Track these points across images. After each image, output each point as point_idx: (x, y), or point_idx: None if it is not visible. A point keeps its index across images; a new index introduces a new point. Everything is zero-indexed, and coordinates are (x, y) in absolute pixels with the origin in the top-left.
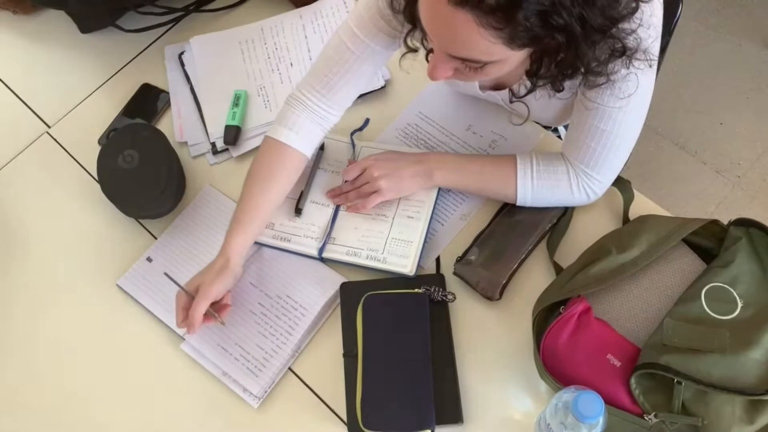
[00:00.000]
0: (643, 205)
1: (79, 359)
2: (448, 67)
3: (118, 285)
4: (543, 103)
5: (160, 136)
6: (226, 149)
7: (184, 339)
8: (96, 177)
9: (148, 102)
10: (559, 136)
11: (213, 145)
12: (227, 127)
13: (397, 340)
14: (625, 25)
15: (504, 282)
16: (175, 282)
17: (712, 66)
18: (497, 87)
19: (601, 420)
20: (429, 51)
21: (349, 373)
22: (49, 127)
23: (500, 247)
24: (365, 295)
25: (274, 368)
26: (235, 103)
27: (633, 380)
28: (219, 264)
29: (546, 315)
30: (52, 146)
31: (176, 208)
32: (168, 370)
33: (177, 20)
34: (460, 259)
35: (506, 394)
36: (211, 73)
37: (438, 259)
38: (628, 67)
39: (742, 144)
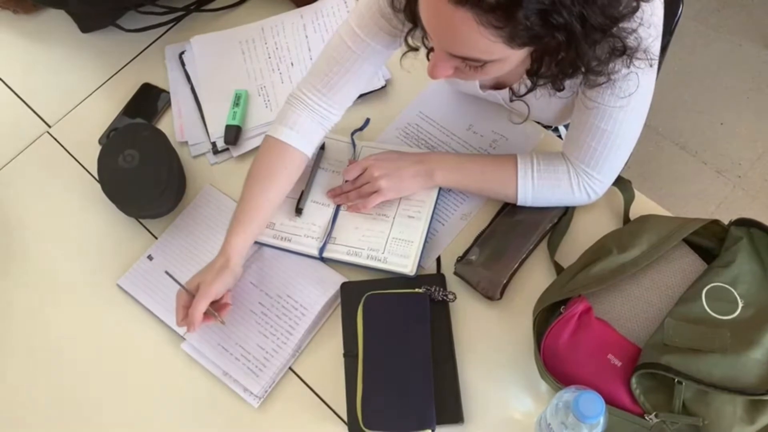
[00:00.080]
0: (643, 205)
1: (80, 359)
2: (449, 66)
3: (118, 285)
4: (543, 102)
5: (161, 135)
6: (227, 149)
7: (184, 339)
8: (96, 177)
9: (148, 102)
10: (560, 136)
11: (213, 144)
12: (228, 127)
13: (398, 340)
14: (626, 25)
15: (505, 282)
16: (176, 280)
17: (712, 66)
18: (498, 86)
19: (601, 420)
20: (429, 50)
21: (349, 373)
22: (49, 126)
23: (501, 247)
24: (366, 294)
25: (275, 368)
26: (236, 103)
27: (634, 380)
28: (219, 263)
29: (547, 315)
30: (52, 146)
31: (177, 207)
32: (168, 370)
33: (177, 20)
34: (461, 259)
35: (507, 393)
36: (211, 72)
37: (438, 259)
38: (628, 67)
39: (743, 144)
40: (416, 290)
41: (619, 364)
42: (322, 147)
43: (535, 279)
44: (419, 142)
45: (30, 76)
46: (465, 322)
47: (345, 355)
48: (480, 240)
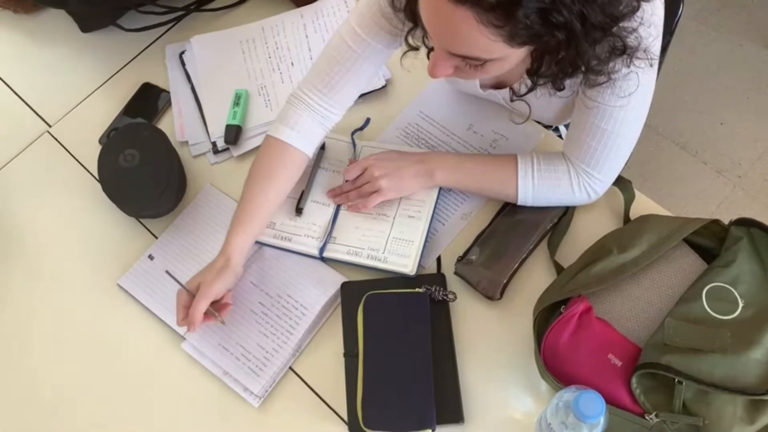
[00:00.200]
0: (643, 205)
1: (80, 359)
2: (449, 65)
3: (118, 284)
4: (544, 101)
5: (161, 135)
6: (227, 149)
7: (184, 338)
8: (97, 176)
9: (148, 101)
10: (560, 136)
11: (214, 144)
12: (228, 127)
13: (398, 340)
14: (626, 24)
15: (505, 281)
16: (177, 280)
17: (712, 66)
18: (498, 86)
19: (602, 420)
20: (430, 50)
21: (349, 373)
22: (49, 126)
23: (501, 247)
24: (366, 294)
25: (275, 368)
26: (236, 103)
27: (634, 380)
28: (220, 263)
29: (547, 315)
30: (52, 145)
31: (177, 207)
32: (168, 370)
33: (178, 19)
34: (461, 259)
35: (507, 393)
36: (211, 72)
37: (439, 259)
38: (628, 66)
39: (743, 144)
40: (416, 290)
41: (619, 363)
42: (323, 147)
43: (535, 279)
44: (419, 141)
45: (30, 76)
46: (465, 321)
47: (345, 354)
48: (480, 240)
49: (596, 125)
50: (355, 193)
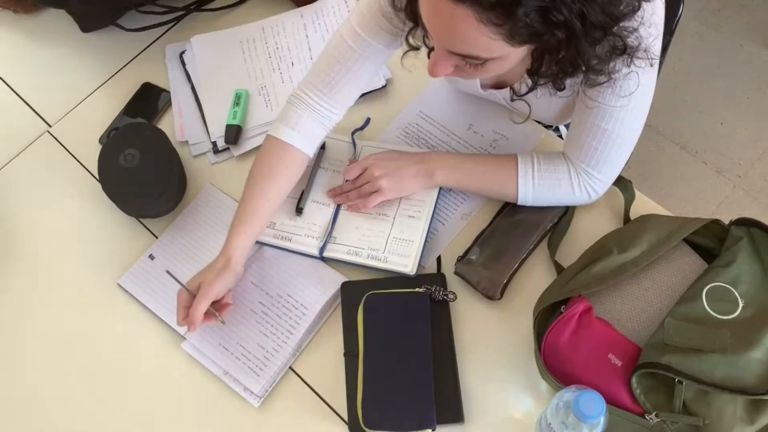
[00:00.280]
0: (644, 205)
1: (80, 358)
2: (449, 64)
3: (118, 284)
4: (544, 101)
5: (161, 135)
6: (227, 148)
7: (185, 338)
8: (97, 176)
9: (149, 101)
10: (560, 136)
11: (214, 144)
12: (228, 127)
13: (398, 340)
14: (627, 23)
15: (505, 281)
16: (177, 280)
17: (712, 66)
18: (498, 85)
19: (602, 419)
20: (430, 49)
21: (349, 373)
22: (50, 126)
23: (501, 247)
24: (366, 294)
25: (275, 367)
26: (236, 103)
27: (634, 380)
28: (220, 263)
29: (547, 314)
30: (53, 145)
31: (177, 207)
32: (168, 370)
33: (178, 19)
34: (461, 259)
35: (507, 393)
36: (212, 72)
37: (439, 259)
38: (629, 66)
39: (743, 144)
40: (416, 290)
41: (619, 363)
42: (323, 146)
43: (535, 279)
44: (420, 141)
45: (30, 76)
46: (465, 321)
47: (345, 354)
48: (480, 240)
49: (596, 125)
50: (355, 192)
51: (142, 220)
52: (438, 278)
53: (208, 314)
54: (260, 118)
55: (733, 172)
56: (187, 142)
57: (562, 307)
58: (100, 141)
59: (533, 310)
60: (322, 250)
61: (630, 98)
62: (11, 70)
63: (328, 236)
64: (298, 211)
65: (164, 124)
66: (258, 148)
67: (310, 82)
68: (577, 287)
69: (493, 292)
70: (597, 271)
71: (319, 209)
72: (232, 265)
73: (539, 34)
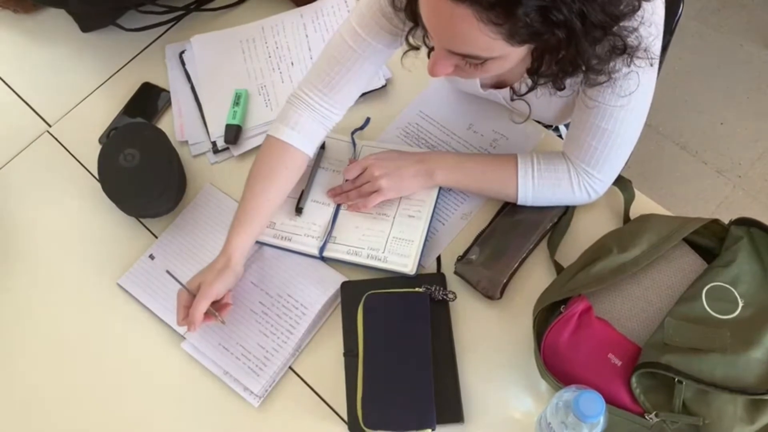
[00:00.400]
0: (644, 205)
1: (80, 358)
2: (449, 64)
3: (118, 284)
4: (544, 101)
5: (161, 135)
6: (227, 148)
7: (184, 338)
8: (96, 176)
9: (148, 101)
10: (560, 135)
11: (214, 144)
12: (228, 126)
13: (398, 339)
14: (627, 23)
15: (505, 281)
16: (177, 280)
17: (712, 66)
18: (498, 85)
19: (602, 419)
20: (431, 49)
21: (349, 372)
22: (49, 126)
23: (501, 247)
24: (366, 294)
25: (275, 367)
26: (236, 102)
27: (634, 379)
28: (220, 263)
29: (547, 314)
30: (52, 145)
31: (177, 207)
32: (168, 370)
33: (178, 19)
34: (461, 259)
35: (507, 393)
36: (211, 72)
37: (439, 259)
38: (629, 66)
39: (743, 144)
40: (416, 289)
41: (619, 363)
42: (323, 146)
43: (535, 278)
44: (420, 141)
45: (30, 76)
46: (465, 321)
47: (345, 354)
48: (480, 239)
49: (596, 125)
50: (355, 192)
51: (142, 220)
52: (438, 278)
53: (208, 314)
54: (260, 118)
55: (733, 172)
56: (186, 141)
57: (562, 306)
58: (100, 141)
59: (533, 310)
60: (322, 249)
61: (630, 98)
62: (11, 69)
63: (328, 236)
64: (298, 210)
65: (164, 124)
66: (258, 147)
67: (310, 82)
68: (577, 287)
69: (493, 291)
70: (597, 271)
71: (319, 209)
72: (232, 265)
73: (539, 33)
